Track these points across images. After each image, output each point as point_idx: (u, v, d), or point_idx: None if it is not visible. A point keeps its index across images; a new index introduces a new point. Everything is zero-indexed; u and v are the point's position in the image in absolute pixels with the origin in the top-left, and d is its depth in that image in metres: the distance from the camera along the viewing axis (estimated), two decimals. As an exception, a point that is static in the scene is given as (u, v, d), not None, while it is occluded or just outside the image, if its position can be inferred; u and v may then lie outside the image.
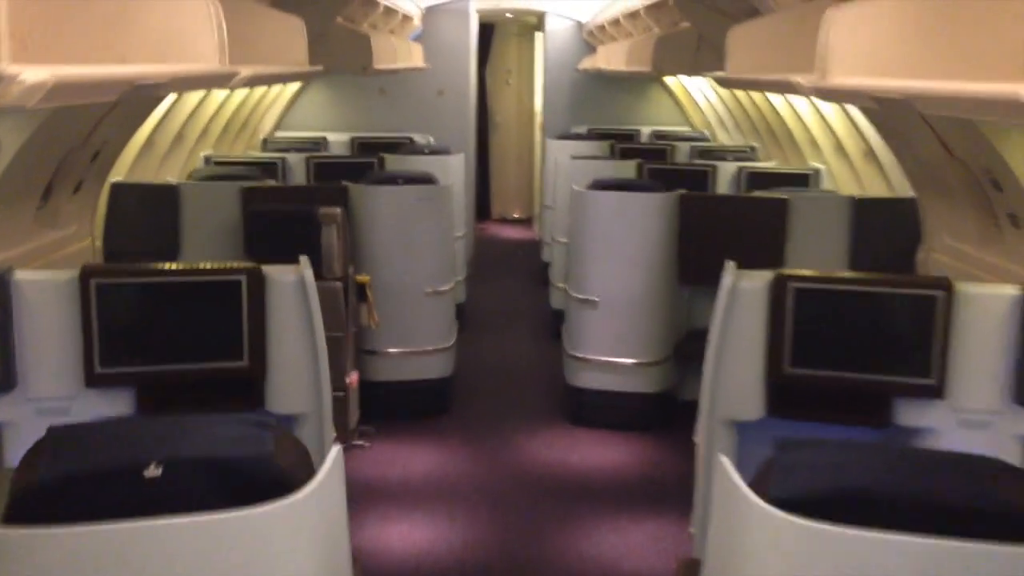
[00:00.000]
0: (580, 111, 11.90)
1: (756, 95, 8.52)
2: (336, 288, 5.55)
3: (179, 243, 5.88)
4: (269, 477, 2.10)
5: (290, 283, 3.48)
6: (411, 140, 9.74)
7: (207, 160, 7.65)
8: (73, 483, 2.00)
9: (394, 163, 7.89)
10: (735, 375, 3.54)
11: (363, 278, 5.79)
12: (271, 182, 6.27)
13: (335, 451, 2.29)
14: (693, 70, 5.46)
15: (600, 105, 11.89)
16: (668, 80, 11.58)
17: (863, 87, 2.53)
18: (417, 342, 6.21)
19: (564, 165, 8.04)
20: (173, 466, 2.04)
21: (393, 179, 6.26)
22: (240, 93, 8.13)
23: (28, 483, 2.02)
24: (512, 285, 10.16)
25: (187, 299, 3.43)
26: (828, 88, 2.65)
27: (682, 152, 9.59)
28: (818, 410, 3.59)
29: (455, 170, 8.11)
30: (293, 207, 5.64)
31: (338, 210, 5.56)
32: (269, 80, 3.99)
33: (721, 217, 5.98)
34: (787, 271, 3.52)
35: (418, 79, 10.43)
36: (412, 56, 8.10)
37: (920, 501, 1.96)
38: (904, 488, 2.02)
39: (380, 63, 5.77)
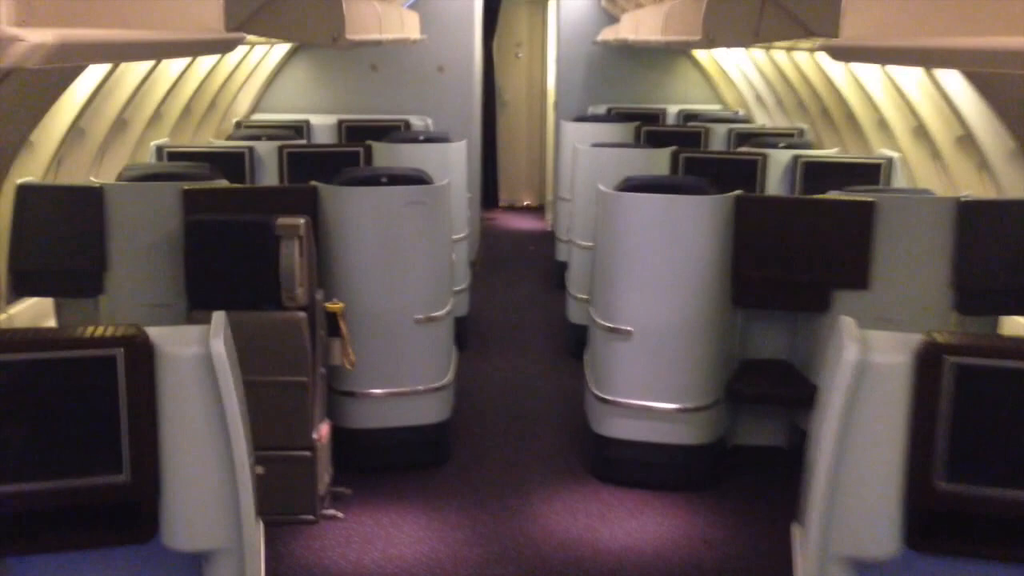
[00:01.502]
0: (598, 88, 10.61)
1: (809, 67, 7.23)
2: (298, 320, 4.34)
3: (105, 262, 4.67)
4: None
5: (191, 358, 2.28)
6: (406, 124, 8.48)
7: (159, 151, 6.42)
8: None
9: (383, 153, 6.65)
10: (858, 493, 2.37)
11: (335, 305, 4.57)
12: (223, 182, 5.04)
13: None
14: (757, 38, 4.21)
15: (620, 81, 10.60)
16: (698, 53, 10.28)
17: None
18: (406, 381, 4.99)
19: (584, 155, 6.79)
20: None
21: (376, 178, 5.02)
22: (202, 68, 6.88)
23: None
24: (523, 291, 8.89)
25: (38, 386, 2.24)
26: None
27: (718, 136, 8.33)
28: (983, 545, 2.41)
29: (455, 161, 6.86)
30: (244, 216, 4.42)
31: (301, 220, 4.34)
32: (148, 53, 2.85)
33: (787, 225, 4.74)
34: (941, 337, 2.29)
35: (415, 53, 9.15)
36: (404, 26, 6.84)
37: None
38: None
39: (356, 33, 4.53)
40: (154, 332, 2.28)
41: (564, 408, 6.00)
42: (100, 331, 2.28)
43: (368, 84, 9.21)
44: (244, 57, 7.51)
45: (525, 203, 13.16)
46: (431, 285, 4.99)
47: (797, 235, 4.71)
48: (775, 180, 6.51)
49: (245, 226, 4.35)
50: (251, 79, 8.48)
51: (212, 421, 2.30)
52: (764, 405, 5.11)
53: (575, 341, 6.87)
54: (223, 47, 3.17)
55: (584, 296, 6.72)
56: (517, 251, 10.57)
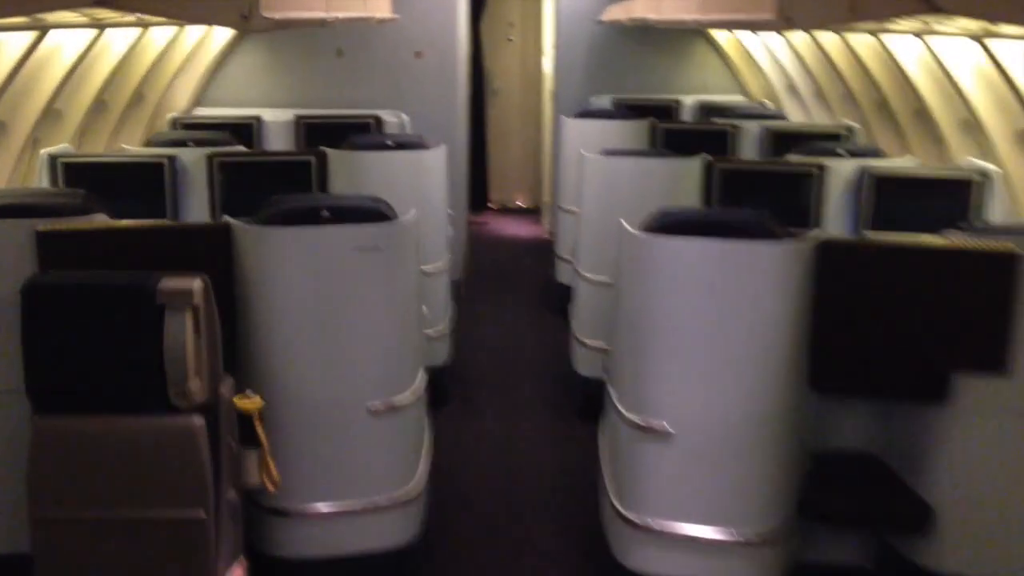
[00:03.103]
0: (600, 75, 9.19)
1: (868, 50, 5.81)
2: (191, 428, 2.97)
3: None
4: None
5: None
6: (377, 120, 7.08)
7: (51, 161, 5.01)
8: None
9: (341, 164, 5.25)
10: None
11: (250, 402, 3.19)
12: (101, 218, 3.62)
13: None
14: (854, 14, 2.85)
15: (626, 67, 9.17)
16: (718, 34, 8.86)
17: None
18: (358, 493, 3.61)
19: (592, 165, 5.40)
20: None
21: (315, 212, 3.62)
22: (112, 51, 5.46)
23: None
24: (517, 322, 7.44)
25: None
26: None
27: (749, 136, 6.93)
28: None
29: (432, 172, 5.48)
30: (110, 277, 3.02)
31: (195, 283, 2.96)
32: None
33: (892, 282, 3.37)
34: None
35: (388, 36, 7.72)
36: (367, 2, 5.44)
37: None
38: None
39: (282, 10, 3.16)
40: None
41: (577, 526, 4.56)
42: None
43: (333, 73, 7.77)
44: (174, 38, 6.08)
45: (518, 204, 11.76)
46: (390, 361, 3.61)
47: (906, 297, 3.34)
48: (835, 202, 5.13)
49: (111, 292, 2.97)
50: (189, 66, 7.05)
51: None
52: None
53: (583, 398, 5.52)
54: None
55: (594, 343, 5.36)
56: (510, 264, 9.17)
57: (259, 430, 3.18)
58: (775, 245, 3.33)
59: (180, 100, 7.25)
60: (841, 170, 5.17)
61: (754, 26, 3.28)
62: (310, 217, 3.58)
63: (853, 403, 3.75)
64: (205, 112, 7.43)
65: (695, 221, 3.53)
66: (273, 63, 7.77)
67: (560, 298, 7.23)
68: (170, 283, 2.96)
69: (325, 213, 3.60)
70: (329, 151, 5.30)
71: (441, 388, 5.66)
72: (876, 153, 5.46)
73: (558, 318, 7.03)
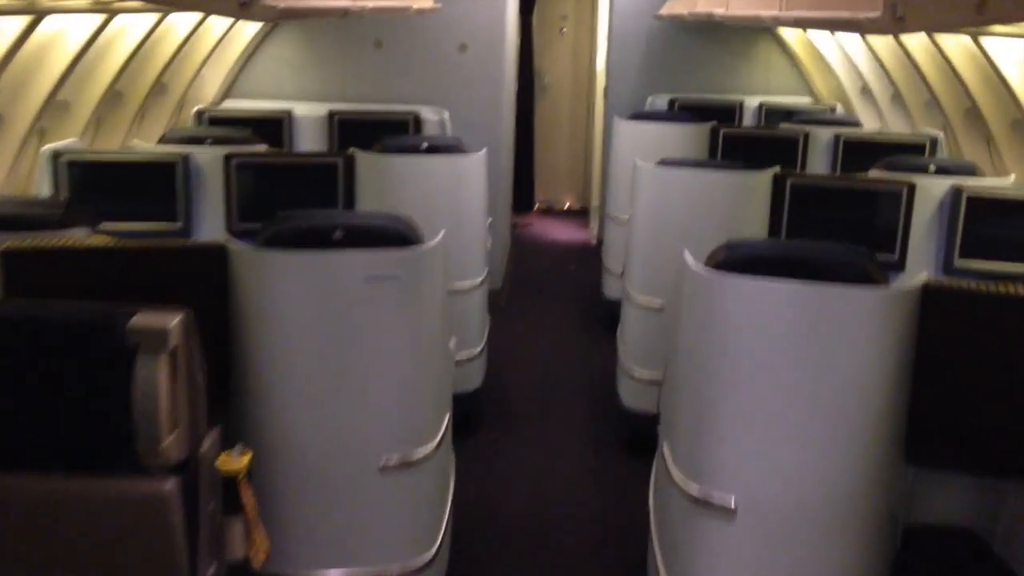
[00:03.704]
0: (658, 73, 8.61)
1: (961, 53, 5.18)
2: (162, 493, 2.49)
3: None
4: None
5: None
6: (416, 118, 6.58)
7: (53, 159, 4.58)
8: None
9: (370, 168, 4.76)
10: None
11: (235, 462, 2.70)
12: (80, 233, 3.16)
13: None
14: (981, 16, 2.29)
15: (686, 65, 8.58)
16: (785, 32, 8.24)
17: None
18: (367, 560, 3.11)
19: (647, 177, 4.84)
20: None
21: (326, 232, 3.12)
22: (127, 39, 5.01)
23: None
24: (560, 341, 6.85)
25: None
26: None
27: (820, 144, 6.35)
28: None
29: (470, 179, 4.96)
30: (71, 312, 2.54)
31: (173, 320, 2.47)
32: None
33: (1011, 336, 2.79)
34: None
35: (431, 27, 7.21)
36: (404, -11, 4.95)
37: None
38: None
39: (290, -7, 2.66)
40: None
41: (620, 566, 4.07)
42: None
43: (370, 66, 7.27)
44: (199, 25, 5.62)
45: (566, 206, 11.20)
46: (408, 408, 3.10)
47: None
48: (922, 226, 4.52)
49: (71, 329, 2.49)
50: (218, 56, 6.60)
51: None
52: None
53: (630, 432, 4.99)
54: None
55: (643, 374, 4.83)
56: (554, 272, 8.63)
57: (243, 493, 2.68)
58: (875, 291, 2.76)
59: (208, 92, 6.81)
60: (931, 189, 4.56)
61: (852, 27, 2.70)
62: (320, 238, 3.09)
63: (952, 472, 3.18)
64: (233, 105, 6.98)
65: (774, 257, 2.97)
66: (307, 54, 7.29)
67: (608, 314, 6.69)
68: (143, 320, 2.47)
69: (338, 234, 3.10)
70: (358, 153, 4.81)
71: (473, 414, 5.16)
72: (971, 170, 4.83)
73: (605, 337, 6.48)
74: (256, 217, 4.72)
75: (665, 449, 3.19)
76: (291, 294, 2.94)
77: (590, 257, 8.64)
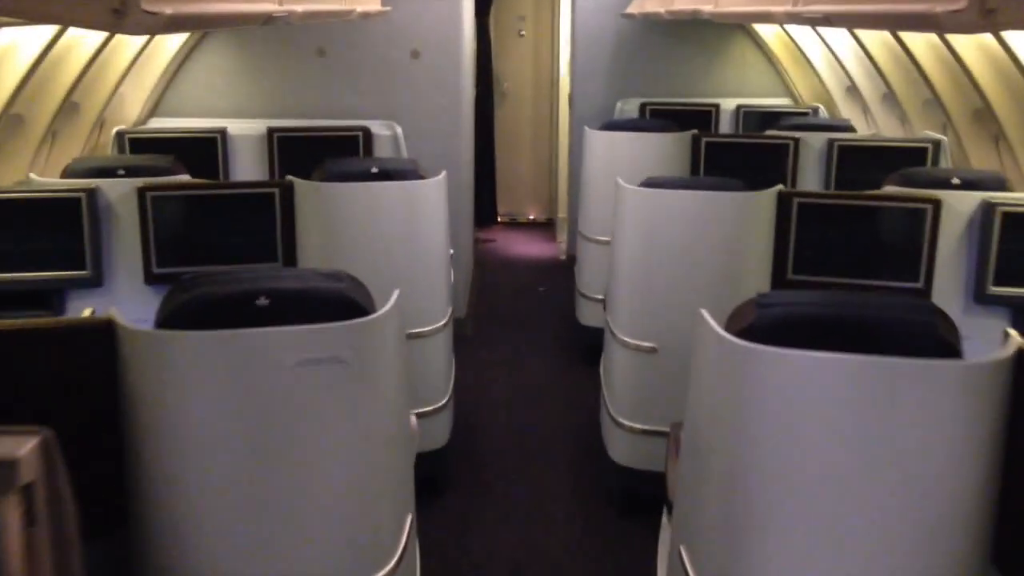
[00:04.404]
0: (625, 76, 8.02)
1: (971, 48, 4.61)
2: None
3: None
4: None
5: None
6: (366, 133, 5.90)
7: (-70, 201, 3.84)
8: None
9: (311, 199, 4.09)
10: None
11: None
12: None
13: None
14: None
15: (654, 67, 8.00)
16: (762, 28, 7.67)
17: None
18: None
19: (633, 199, 4.20)
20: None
21: (245, 300, 2.44)
22: (22, 56, 4.28)
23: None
24: (534, 380, 6.12)
25: None
26: None
27: (812, 151, 5.80)
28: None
29: (429, 208, 4.30)
30: None
31: (25, 448, 1.76)
32: None
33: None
34: None
35: (379, 33, 6.53)
36: (345, -10, 4.28)
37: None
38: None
39: (184, 0, 1.99)
40: None
41: None
42: None
43: (313, 77, 6.57)
44: (110, 37, 4.90)
45: (530, 217, 10.57)
46: (355, 526, 2.43)
47: None
48: (947, 248, 3.93)
49: None
50: (140, 70, 5.87)
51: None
52: None
53: (622, 492, 4.37)
54: None
55: (634, 425, 4.20)
56: (524, 295, 7.96)
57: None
58: (958, 365, 2.15)
59: (129, 111, 6.07)
60: (956, 205, 3.98)
61: (919, 24, 2.06)
62: (238, 310, 2.41)
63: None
64: (160, 124, 6.25)
65: (820, 317, 2.33)
66: (242, 66, 6.57)
67: (585, 343, 6.07)
68: (-16, 450, 1.78)
69: (262, 301, 2.43)
70: (296, 182, 4.13)
71: (439, 476, 4.50)
72: (999, 181, 4.25)
73: (585, 371, 5.85)
74: (180, 261, 4.05)
75: (683, 554, 2.56)
76: (200, 387, 2.26)
77: (560, 276, 8.01)
